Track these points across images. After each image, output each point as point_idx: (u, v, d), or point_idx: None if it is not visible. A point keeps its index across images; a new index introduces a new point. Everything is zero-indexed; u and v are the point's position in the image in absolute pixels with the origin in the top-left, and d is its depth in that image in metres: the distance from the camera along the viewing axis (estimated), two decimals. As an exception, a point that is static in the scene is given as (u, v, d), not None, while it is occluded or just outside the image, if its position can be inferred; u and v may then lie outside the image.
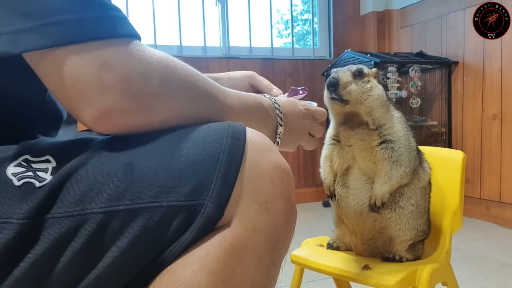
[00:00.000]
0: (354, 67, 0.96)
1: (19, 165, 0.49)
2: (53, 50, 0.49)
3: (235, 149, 0.52)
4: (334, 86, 0.92)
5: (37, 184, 0.48)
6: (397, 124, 0.95)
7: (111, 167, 0.49)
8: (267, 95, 0.74)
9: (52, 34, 0.48)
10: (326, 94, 0.95)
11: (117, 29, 0.52)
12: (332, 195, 1.01)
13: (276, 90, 0.92)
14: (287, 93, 0.89)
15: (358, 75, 0.95)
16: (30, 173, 0.49)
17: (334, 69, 0.97)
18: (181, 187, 0.49)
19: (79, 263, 0.48)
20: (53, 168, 0.49)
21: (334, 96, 0.93)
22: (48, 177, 0.49)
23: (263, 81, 0.94)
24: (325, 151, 1.02)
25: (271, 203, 0.52)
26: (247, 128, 0.55)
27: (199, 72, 0.59)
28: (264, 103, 0.70)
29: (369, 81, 0.95)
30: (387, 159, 0.93)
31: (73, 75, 0.49)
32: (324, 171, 1.02)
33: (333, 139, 1.00)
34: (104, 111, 0.50)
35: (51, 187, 0.48)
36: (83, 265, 0.48)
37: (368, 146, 0.95)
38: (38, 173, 0.49)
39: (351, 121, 0.97)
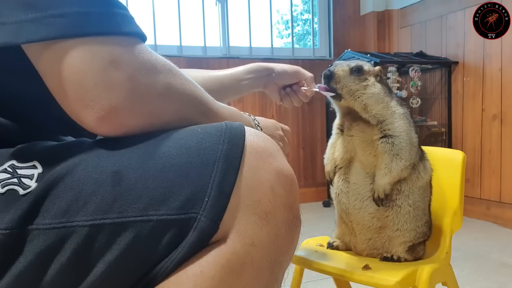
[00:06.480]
0: (353, 63, 0.96)
1: (4, 171, 0.47)
2: (58, 42, 0.46)
3: (232, 156, 0.48)
4: (328, 78, 0.95)
5: (21, 191, 0.45)
6: (398, 120, 0.95)
7: (99, 176, 0.47)
8: (247, 114, 0.75)
9: (57, 26, 0.45)
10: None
11: (123, 27, 0.49)
12: (332, 181, 1.03)
13: (314, 84, 1.07)
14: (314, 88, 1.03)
15: (356, 71, 0.95)
16: (15, 180, 0.46)
17: (336, 62, 0.99)
18: (172, 200, 0.46)
19: (65, 278, 0.45)
20: (39, 174, 0.47)
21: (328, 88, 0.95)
22: (33, 184, 0.46)
23: (307, 73, 1.08)
24: (331, 139, 1.05)
25: (271, 214, 0.49)
26: (246, 130, 0.52)
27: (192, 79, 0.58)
28: (244, 119, 0.71)
29: (366, 78, 0.96)
30: (388, 152, 0.94)
31: (79, 70, 0.46)
32: (327, 157, 1.05)
33: (338, 128, 1.03)
34: (111, 110, 0.47)
35: (36, 196, 0.45)
36: (69, 280, 0.46)
37: (368, 138, 0.96)
38: (23, 179, 0.46)
39: (355, 113, 0.98)
